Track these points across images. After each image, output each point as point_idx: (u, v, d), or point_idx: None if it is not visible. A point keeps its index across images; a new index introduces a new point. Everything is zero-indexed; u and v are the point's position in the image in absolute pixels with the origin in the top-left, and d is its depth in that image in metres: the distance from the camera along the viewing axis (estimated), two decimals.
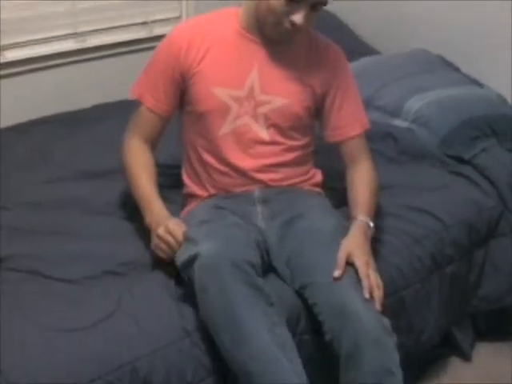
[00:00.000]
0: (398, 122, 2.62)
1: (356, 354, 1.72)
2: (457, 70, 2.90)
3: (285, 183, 2.05)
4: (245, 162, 2.00)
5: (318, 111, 2.05)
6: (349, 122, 2.05)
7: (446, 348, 2.37)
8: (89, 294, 1.84)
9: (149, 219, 1.94)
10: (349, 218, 1.97)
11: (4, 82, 2.76)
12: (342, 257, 1.80)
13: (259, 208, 2.00)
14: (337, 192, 2.15)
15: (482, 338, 2.44)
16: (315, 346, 1.87)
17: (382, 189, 2.10)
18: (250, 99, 1.96)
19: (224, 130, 1.98)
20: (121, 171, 2.11)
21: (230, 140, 1.98)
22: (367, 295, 1.75)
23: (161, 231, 1.87)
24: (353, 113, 2.06)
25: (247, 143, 1.99)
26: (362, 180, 2.03)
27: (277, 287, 1.87)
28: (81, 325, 1.72)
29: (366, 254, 1.85)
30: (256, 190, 2.02)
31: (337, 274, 1.77)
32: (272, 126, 1.99)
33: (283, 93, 1.98)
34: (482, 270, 2.33)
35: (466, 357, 2.38)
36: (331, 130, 2.06)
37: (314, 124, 2.11)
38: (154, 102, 2.00)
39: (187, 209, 2.08)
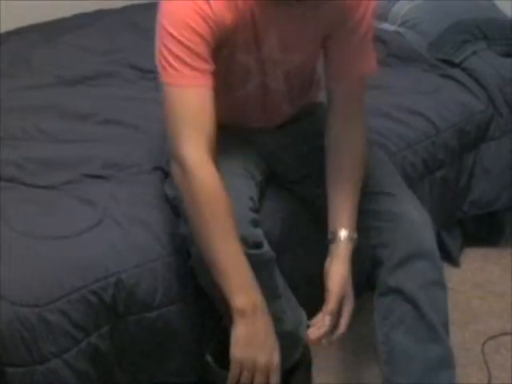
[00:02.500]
0: (386, 26, 2.58)
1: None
2: None
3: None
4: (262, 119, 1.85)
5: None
6: (346, 63, 1.72)
7: None
8: (72, 200, 1.80)
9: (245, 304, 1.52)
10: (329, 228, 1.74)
11: None
12: (334, 300, 1.65)
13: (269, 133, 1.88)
14: None
15: (471, 243, 2.45)
16: None
17: (371, 89, 2.05)
18: (269, 60, 1.71)
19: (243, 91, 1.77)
20: (100, 77, 2.06)
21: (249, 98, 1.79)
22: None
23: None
24: (355, 53, 1.72)
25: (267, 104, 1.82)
26: (349, 168, 1.73)
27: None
28: (66, 233, 1.69)
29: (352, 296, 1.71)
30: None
31: (327, 320, 1.64)
32: (290, 80, 1.79)
33: (300, 50, 1.73)
34: (472, 175, 2.33)
35: (454, 262, 2.39)
36: (328, 72, 1.76)
37: None
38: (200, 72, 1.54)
39: None
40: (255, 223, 1.63)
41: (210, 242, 1.52)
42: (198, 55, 1.52)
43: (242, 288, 1.52)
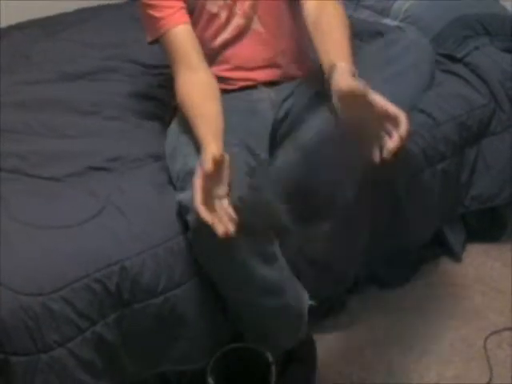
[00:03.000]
0: (388, 21, 2.57)
1: None
2: None
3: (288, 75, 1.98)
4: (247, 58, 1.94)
5: None
6: None
7: (437, 248, 2.37)
8: (75, 191, 1.80)
9: None
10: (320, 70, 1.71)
11: None
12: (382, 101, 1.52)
13: (266, 91, 1.94)
14: None
15: (473, 238, 2.45)
16: None
17: None
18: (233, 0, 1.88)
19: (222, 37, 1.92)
20: (101, 72, 2.07)
21: (230, 45, 1.93)
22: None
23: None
24: None
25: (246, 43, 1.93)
26: (331, 21, 1.79)
27: None
28: (69, 222, 1.68)
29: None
30: (259, 85, 1.95)
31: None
32: (261, 16, 1.91)
33: None
34: (474, 170, 2.32)
35: (456, 257, 2.39)
36: None
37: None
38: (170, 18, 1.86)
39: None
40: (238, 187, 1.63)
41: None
42: (162, 7, 1.84)
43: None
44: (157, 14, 1.85)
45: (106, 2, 2.84)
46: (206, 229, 1.55)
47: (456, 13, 2.49)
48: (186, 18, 1.87)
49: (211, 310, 1.77)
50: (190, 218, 1.65)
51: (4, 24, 2.67)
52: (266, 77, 1.95)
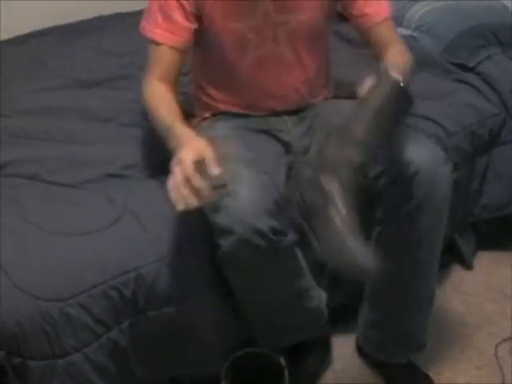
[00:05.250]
0: (400, 30, 2.57)
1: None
2: None
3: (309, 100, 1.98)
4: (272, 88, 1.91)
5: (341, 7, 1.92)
6: (373, 9, 1.89)
7: (449, 256, 2.37)
8: (92, 198, 1.82)
9: (172, 147, 1.56)
10: None
11: None
12: None
13: (286, 118, 1.94)
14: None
15: (484, 246, 2.46)
16: None
17: None
18: (266, 24, 1.81)
19: (246, 61, 1.85)
20: (118, 79, 2.08)
21: (255, 70, 1.87)
22: None
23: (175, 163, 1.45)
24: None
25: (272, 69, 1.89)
26: (394, 52, 1.86)
27: None
28: (87, 229, 1.71)
29: None
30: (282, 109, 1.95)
31: None
32: (294, 44, 1.87)
33: (299, 8, 1.82)
34: (484, 179, 2.33)
35: (467, 265, 2.40)
36: (357, 18, 1.90)
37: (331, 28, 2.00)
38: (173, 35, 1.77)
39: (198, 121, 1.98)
40: (270, 213, 1.63)
41: (153, 117, 1.70)
42: (171, 17, 1.74)
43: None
44: (163, 20, 1.76)
45: (123, 10, 2.85)
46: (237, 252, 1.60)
47: (469, 22, 2.50)
48: (187, 42, 1.79)
49: (224, 318, 1.80)
50: (222, 241, 1.61)
51: (21, 31, 2.70)
52: (285, 106, 1.94)
